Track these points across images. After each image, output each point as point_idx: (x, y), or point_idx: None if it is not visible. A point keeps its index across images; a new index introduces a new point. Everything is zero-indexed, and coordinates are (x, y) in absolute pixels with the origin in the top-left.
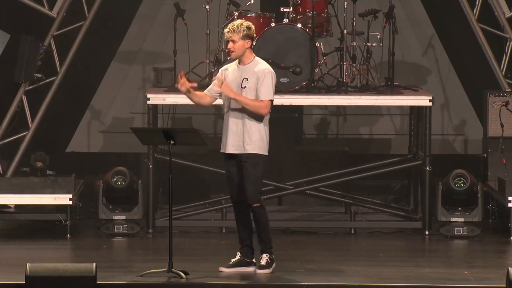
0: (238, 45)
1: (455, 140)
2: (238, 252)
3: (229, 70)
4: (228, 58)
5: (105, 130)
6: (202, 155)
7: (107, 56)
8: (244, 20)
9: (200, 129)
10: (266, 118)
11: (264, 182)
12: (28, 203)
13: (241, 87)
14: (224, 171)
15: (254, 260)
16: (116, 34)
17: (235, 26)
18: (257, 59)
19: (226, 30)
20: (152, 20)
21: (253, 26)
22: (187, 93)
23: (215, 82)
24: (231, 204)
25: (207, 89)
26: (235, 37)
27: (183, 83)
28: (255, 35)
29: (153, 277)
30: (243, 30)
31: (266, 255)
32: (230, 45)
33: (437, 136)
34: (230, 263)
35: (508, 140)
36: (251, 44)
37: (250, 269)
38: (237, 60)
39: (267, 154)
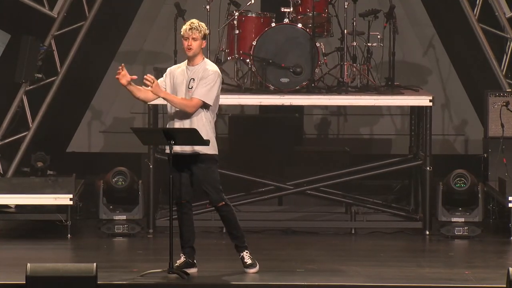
0: (197, 43)
1: (456, 140)
2: (181, 254)
3: (178, 71)
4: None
5: (106, 130)
6: None
7: (107, 56)
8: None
9: None
10: (211, 118)
11: (265, 182)
12: (29, 203)
13: (188, 88)
14: (172, 173)
15: (195, 261)
16: (116, 34)
17: (196, 24)
18: (207, 60)
19: (186, 27)
20: (153, 20)
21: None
22: (128, 85)
23: (161, 79)
24: (231, 204)
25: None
26: (197, 34)
27: (124, 75)
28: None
29: (153, 277)
30: (203, 30)
31: (246, 253)
32: (190, 42)
33: (437, 136)
34: (177, 265)
35: (508, 140)
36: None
37: (194, 270)
38: (185, 61)
39: (217, 152)
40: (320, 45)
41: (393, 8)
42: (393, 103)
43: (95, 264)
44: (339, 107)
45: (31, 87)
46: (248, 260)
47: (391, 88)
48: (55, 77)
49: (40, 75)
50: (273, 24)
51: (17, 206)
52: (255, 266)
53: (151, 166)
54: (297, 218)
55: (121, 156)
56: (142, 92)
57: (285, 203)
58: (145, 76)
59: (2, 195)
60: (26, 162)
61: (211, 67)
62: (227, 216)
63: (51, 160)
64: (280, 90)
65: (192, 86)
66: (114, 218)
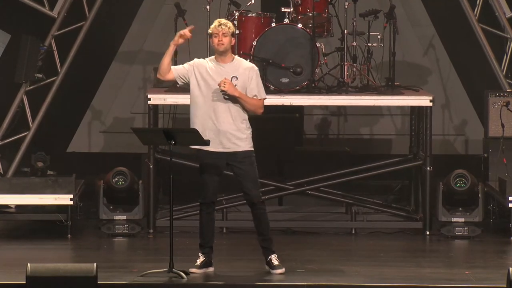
0: (228, 39)
1: (456, 140)
2: (200, 253)
3: (208, 66)
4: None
5: (106, 130)
6: None
7: (107, 56)
8: None
9: None
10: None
11: (265, 182)
12: (29, 203)
13: None
14: (204, 171)
15: (212, 260)
16: (116, 34)
17: (224, 21)
18: (238, 57)
19: (215, 24)
20: (153, 20)
21: None
22: (173, 47)
23: (181, 66)
24: (231, 204)
25: (176, 68)
26: (226, 30)
27: (186, 36)
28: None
29: (153, 277)
30: (231, 27)
31: (275, 256)
32: (221, 37)
33: (437, 136)
34: (198, 264)
35: (508, 140)
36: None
37: (211, 269)
38: (212, 58)
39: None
40: (320, 45)
41: (393, 8)
42: (393, 103)
43: (95, 264)
44: (339, 107)
45: (31, 87)
46: (275, 262)
47: (391, 88)
48: (55, 77)
49: (40, 75)
50: (273, 24)
51: (17, 206)
52: (282, 267)
53: (151, 166)
54: (297, 218)
55: (121, 156)
56: (170, 64)
57: (285, 203)
58: (219, 82)
59: (2, 195)
60: (26, 162)
61: (250, 64)
62: (263, 215)
63: (51, 160)
64: (280, 90)
65: (236, 84)
66: (114, 218)
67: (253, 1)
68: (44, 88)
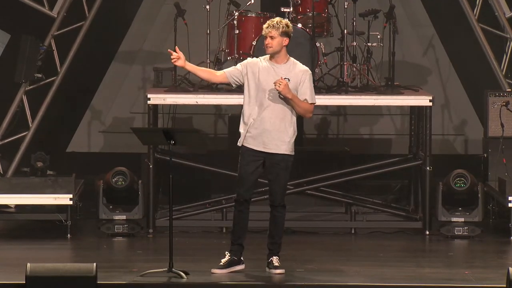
0: (277, 41)
1: (456, 140)
2: (226, 252)
3: (261, 66)
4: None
5: (106, 130)
6: (202, 155)
7: (107, 56)
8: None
9: (200, 129)
10: (296, 117)
11: (265, 182)
12: (29, 203)
13: None
14: (242, 167)
15: (242, 258)
16: (116, 34)
17: (274, 22)
18: (293, 59)
19: (265, 26)
20: (153, 20)
21: (291, 25)
22: (186, 65)
23: (233, 68)
24: (231, 204)
25: (228, 70)
26: (274, 32)
27: (179, 58)
28: (292, 34)
29: (153, 277)
30: (282, 27)
31: (277, 258)
32: (268, 40)
33: (437, 136)
34: (221, 264)
35: (508, 140)
36: (288, 43)
37: (241, 267)
38: (266, 57)
39: (293, 154)
40: (320, 45)
41: (393, 8)
42: (393, 103)
43: (95, 264)
44: (339, 107)
45: (31, 87)
46: (276, 263)
47: (391, 88)
48: (55, 77)
49: (40, 75)
50: None
51: (17, 206)
52: (281, 268)
53: (151, 166)
54: (297, 218)
55: (121, 156)
56: (203, 72)
57: (285, 203)
58: (275, 81)
59: (2, 195)
60: (26, 162)
61: (304, 67)
62: (280, 219)
63: (51, 160)
64: None
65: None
66: (114, 218)
67: (252, 1)
68: (43, 88)
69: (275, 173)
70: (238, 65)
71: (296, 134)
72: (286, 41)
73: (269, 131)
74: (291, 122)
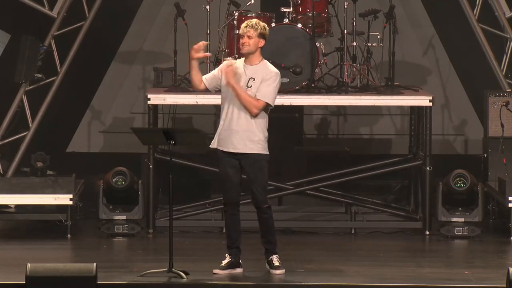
0: (253, 41)
1: (456, 140)
2: (227, 254)
3: (234, 67)
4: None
5: (106, 130)
6: (202, 155)
7: (107, 56)
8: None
9: (200, 129)
10: (267, 119)
11: None
12: (29, 203)
13: (247, 86)
14: (221, 171)
15: (240, 261)
16: (116, 34)
17: (253, 22)
18: (266, 61)
19: (243, 25)
20: (153, 20)
21: (267, 28)
22: (195, 61)
23: (213, 72)
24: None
25: (206, 77)
26: (252, 32)
27: (199, 50)
28: (267, 37)
29: (153, 277)
30: (260, 28)
31: (276, 256)
32: (245, 39)
33: (437, 136)
34: (223, 265)
35: (508, 140)
36: (263, 45)
37: (239, 270)
38: (242, 59)
39: (268, 153)
40: (320, 45)
41: (393, 8)
42: (393, 103)
43: (95, 264)
44: (338, 107)
45: (31, 87)
46: (276, 263)
47: (391, 88)
48: (55, 77)
49: (40, 75)
50: (273, 24)
51: (17, 206)
52: (282, 269)
53: (151, 166)
54: (297, 218)
55: (121, 156)
56: (197, 74)
57: (285, 203)
58: (225, 63)
59: (2, 195)
60: (26, 162)
61: (272, 68)
62: (268, 220)
63: (51, 160)
64: (280, 90)
65: (251, 85)
66: (114, 218)
67: (252, 1)
68: (43, 88)
69: (252, 175)
70: (215, 69)
71: (267, 135)
72: (262, 42)
73: (236, 131)
74: (259, 122)
